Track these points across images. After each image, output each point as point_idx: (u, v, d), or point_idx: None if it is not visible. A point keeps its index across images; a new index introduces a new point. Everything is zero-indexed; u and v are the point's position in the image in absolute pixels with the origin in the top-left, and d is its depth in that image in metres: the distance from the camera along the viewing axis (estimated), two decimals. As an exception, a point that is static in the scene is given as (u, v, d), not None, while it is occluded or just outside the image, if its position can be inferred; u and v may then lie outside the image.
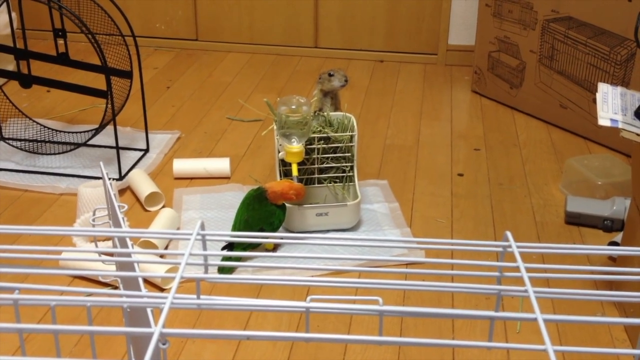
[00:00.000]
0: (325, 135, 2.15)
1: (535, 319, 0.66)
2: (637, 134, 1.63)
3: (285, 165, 2.17)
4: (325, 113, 2.22)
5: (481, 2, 3.04)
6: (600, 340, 1.74)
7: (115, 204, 0.98)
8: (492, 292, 0.73)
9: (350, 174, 2.20)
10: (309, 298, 0.70)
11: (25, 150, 2.50)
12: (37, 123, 2.65)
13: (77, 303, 0.71)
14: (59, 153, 2.47)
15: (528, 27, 2.87)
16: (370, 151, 2.63)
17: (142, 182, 2.27)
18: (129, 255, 0.92)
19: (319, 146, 2.15)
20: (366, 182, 2.39)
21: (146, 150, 2.56)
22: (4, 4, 2.70)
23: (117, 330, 0.66)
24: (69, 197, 2.28)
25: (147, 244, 2.00)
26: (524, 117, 2.94)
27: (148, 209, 2.23)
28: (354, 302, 0.72)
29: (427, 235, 2.14)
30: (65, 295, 0.73)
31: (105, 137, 2.55)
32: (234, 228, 2.05)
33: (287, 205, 2.06)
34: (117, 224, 0.99)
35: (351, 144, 2.17)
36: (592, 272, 1.80)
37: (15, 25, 2.58)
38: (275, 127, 2.14)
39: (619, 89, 1.77)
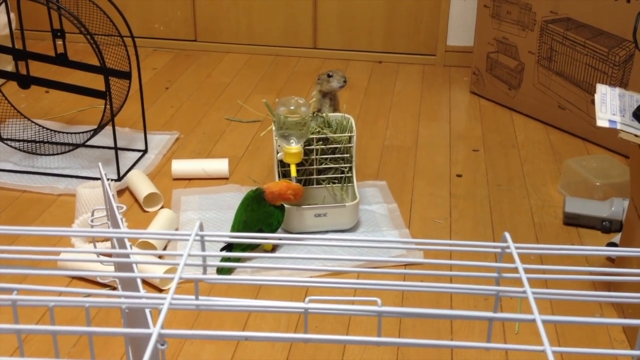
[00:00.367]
0: (324, 136, 2.15)
1: (533, 320, 0.66)
2: (636, 135, 1.63)
3: (283, 166, 2.17)
4: (324, 114, 2.22)
5: (480, 3, 3.04)
6: (599, 341, 1.74)
7: (114, 205, 0.98)
8: (490, 293, 0.73)
9: (349, 174, 2.20)
10: (307, 299, 0.70)
11: (24, 151, 2.49)
12: (36, 124, 2.65)
13: (75, 304, 0.71)
14: (57, 154, 2.47)
15: (527, 28, 2.87)
16: (369, 152, 2.63)
17: (141, 183, 2.27)
18: (127, 256, 0.92)
19: (318, 147, 2.15)
20: (365, 183, 2.40)
21: (145, 151, 2.56)
22: (3, 5, 2.70)
23: (115, 331, 0.66)
24: (68, 198, 2.28)
25: (146, 245, 2.00)
26: (522, 118, 2.94)
27: (146, 209, 2.23)
28: (352, 302, 0.72)
29: (426, 236, 2.14)
30: (63, 296, 0.73)
31: (104, 138, 2.55)
32: (233, 229, 2.05)
33: (285, 206, 2.07)
34: (115, 224, 0.99)
35: (350, 145, 2.17)
36: (591, 273, 1.80)
37: (13, 25, 2.58)
38: (273, 128, 2.14)
39: (618, 90, 1.77)
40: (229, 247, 2.00)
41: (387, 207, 2.26)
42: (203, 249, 0.79)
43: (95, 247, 1.91)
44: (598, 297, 0.74)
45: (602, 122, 1.66)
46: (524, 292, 0.70)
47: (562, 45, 2.75)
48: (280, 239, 0.87)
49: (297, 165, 2.10)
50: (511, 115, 2.97)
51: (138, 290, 0.81)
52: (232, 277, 0.78)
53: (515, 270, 0.74)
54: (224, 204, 2.27)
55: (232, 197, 2.29)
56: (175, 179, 2.41)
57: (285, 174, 2.17)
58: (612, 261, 2.00)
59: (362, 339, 0.66)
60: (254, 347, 1.69)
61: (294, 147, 2.06)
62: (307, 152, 2.14)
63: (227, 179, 2.43)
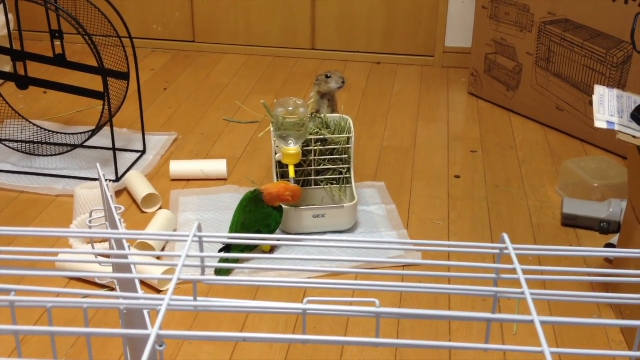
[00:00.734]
0: (322, 137, 2.15)
1: (532, 321, 0.66)
2: (634, 136, 1.63)
3: (282, 167, 2.17)
4: (322, 115, 2.22)
5: (478, 5, 3.05)
6: (597, 341, 1.74)
7: (112, 206, 0.98)
8: (488, 294, 0.73)
9: (347, 175, 2.20)
10: (305, 300, 0.70)
11: (22, 152, 2.49)
12: (34, 124, 2.65)
13: (73, 305, 0.71)
14: (55, 154, 2.47)
15: (525, 30, 2.87)
16: (367, 153, 2.63)
17: (139, 184, 2.27)
18: (125, 257, 0.92)
19: (316, 148, 2.15)
20: (363, 184, 2.40)
21: (143, 152, 2.56)
22: (1, 5, 2.69)
23: (113, 332, 0.66)
24: (66, 199, 2.28)
25: (144, 246, 2.00)
26: (520, 119, 2.94)
27: (145, 210, 2.22)
28: (350, 303, 0.72)
29: (424, 237, 2.14)
30: (61, 296, 0.73)
31: (102, 139, 2.55)
32: (231, 230, 2.05)
33: (284, 207, 2.06)
34: (113, 225, 0.99)
35: (348, 146, 2.17)
36: (589, 274, 1.80)
37: (12, 26, 2.57)
38: (272, 129, 2.14)
39: (616, 91, 1.77)
40: (227, 248, 2.00)
41: (386, 208, 2.26)
42: (201, 250, 0.79)
43: (93, 248, 1.90)
44: (596, 298, 0.74)
45: (600, 123, 1.66)
46: (522, 293, 0.70)
47: (560, 47, 2.75)
48: (278, 240, 0.87)
49: (296, 166, 2.10)
50: (509, 117, 2.97)
51: (136, 291, 0.81)
52: (231, 278, 0.78)
53: (514, 271, 0.74)
54: (222, 204, 2.27)
55: (231, 198, 2.29)
56: (173, 180, 2.41)
57: (283, 175, 2.17)
58: (610, 262, 2.00)
59: (361, 340, 0.66)
60: (252, 348, 1.69)
61: (293, 148, 2.06)
62: (305, 153, 2.14)
63: (225, 180, 2.43)
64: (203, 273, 0.80)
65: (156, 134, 2.70)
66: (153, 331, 0.64)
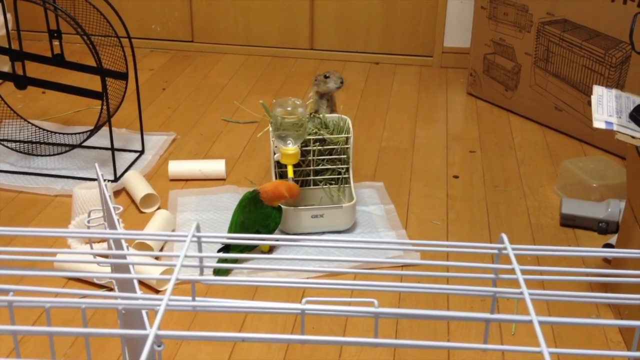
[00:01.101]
0: (320, 137, 2.15)
1: (530, 321, 0.66)
2: (632, 137, 1.63)
3: (280, 167, 2.17)
4: (320, 115, 2.22)
5: (477, 5, 3.05)
6: (595, 342, 1.74)
7: (110, 206, 0.98)
8: (487, 294, 0.73)
9: (346, 175, 2.20)
10: (304, 300, 0.70)
11: (20, 152, 2.49)
12: (32, 124, 2.65)
13: (71, 305, 0.71)
14: (54, 154, 2.47)
15: (523, 30, 2.87)
16: (366, 153, 2.63)
17: (138, 184, 2.26)
18: (124, 257, 0.92)
19: (315, 148, 2.15)
20: (362, 184, 2.39)
21: (141, 152, 2.56)
22: (0, 5, 2.69)
23: (112, 332, 0.66)
24: (64, 199, 2.28)
25: (142, 246, 2.00)
26: (519, 120, 2.94)
27: (143, 210, 2.22)
28: (349, 304, 0.71)
29: (423, 237, 2.14)
30: (60, 297, 0.73)
31: (101, 139, 2.55)
32: (230, 230, 2.05)
33: (282, 207, 2.06)
34: (112, 225, 0.98)
35: (347, 146, 2.17)
36: (587, 274, 1.80)
37: (10, 26, 2.57)
38: (270, 129, 2.14)
39: (614, 91, 1.77)
40: (226, 248, 2.00)
41: (384, 208, 2.26)
42: (200, 250, 0.79)
43: (91, 248, 1.90)
44: (594, 298, 0.74)
45: (598, 123, 1.66)
46: (521, 293, 0.70)
47: (559, 47, 2.75)
48: (277, 240, 0.87)
49: (294, 166, 2.10)
50: (508, 117, 2.97)
51: (135, 292, 0.81)
52: (229, 278, 0.78)
53: (512, 271, 0.74)
54: (220, 205, 2.27)
55: (229, 198, 2.29)
56: (172, 180, 2.41)
57: (282, 175, 2.17)
58: (608, 262, 2.00)
59: (359, 340, 0.66)
60: (251, 348, 1.69)
61: (291, 148, 2.06)
62: (304, 153, 2.14)
63: (224, 180, 2.43)
64: (201, 273, 0.80)
65: (155, 134, 2.70)
66: (151, 331, 0.64)
